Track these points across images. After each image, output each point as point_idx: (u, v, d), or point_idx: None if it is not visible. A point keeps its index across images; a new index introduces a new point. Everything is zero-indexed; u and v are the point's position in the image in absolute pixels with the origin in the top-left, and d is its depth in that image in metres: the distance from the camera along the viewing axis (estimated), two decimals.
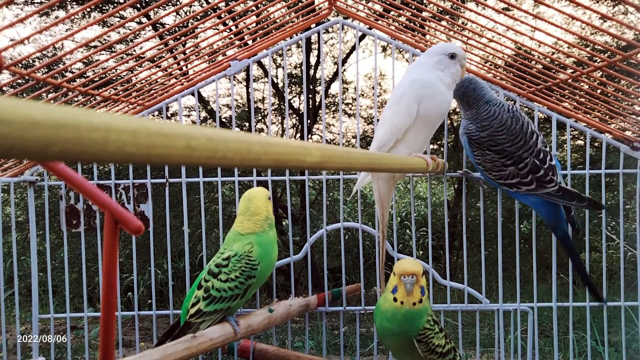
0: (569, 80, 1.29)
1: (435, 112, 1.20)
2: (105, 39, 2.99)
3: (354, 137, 4.53)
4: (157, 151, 0.27)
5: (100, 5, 3.44)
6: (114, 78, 1.51)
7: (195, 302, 1.19)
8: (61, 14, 3.69)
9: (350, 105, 4.43)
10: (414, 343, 1.12)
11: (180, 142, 0.29)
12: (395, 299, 1.11)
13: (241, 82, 4.18)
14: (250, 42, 1.62)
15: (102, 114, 0.25)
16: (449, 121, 3.86)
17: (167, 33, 2.83)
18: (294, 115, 4.29)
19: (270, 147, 0.37)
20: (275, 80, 4.19)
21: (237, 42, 1.60)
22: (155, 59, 1.94)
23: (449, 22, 2.10)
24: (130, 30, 3.46)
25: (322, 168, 0.47)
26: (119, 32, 3.29)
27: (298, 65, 4.32)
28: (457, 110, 3.93)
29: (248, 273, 1.18)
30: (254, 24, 2.18)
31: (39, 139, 0.22)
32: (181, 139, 0.29)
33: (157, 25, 3.59)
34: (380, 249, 1.38)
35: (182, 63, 1.65)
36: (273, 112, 4.25)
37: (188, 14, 3.66)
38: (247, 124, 4.16)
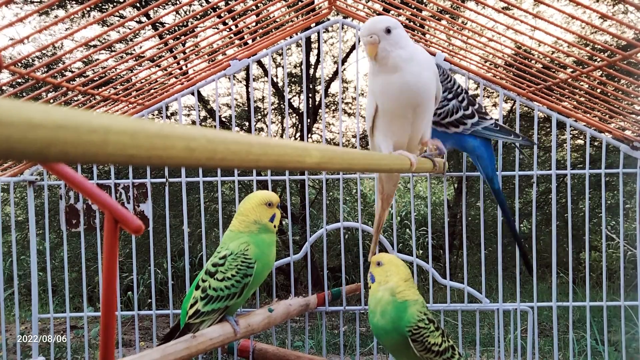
0: (569, 80, 1.29)
1: (395, 103, 1.06)
2: (104, 39, 2.99)
3: (354, 136, 4.52)
4: (157, 152, 0.27)
5: (100, 5, 3.44)
6: (114, 77, 1.51)
7: (193, 302, 1.19)
8: (61, 13, 3.68)
9: (350, 105, 4.43)
10: (409, 342, 1.12)
11: (180, 144, 0.29)
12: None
13: (241, 82, 4.17)
14: (250, 42, 1.62)
15: (101, 116, 0.25)
16: None
17: (167, 32, 2.82)
18: (294, 115, 4.28)
19: (269, 149, 0.37)
20: (275, 79, 4.19)
21: (237, 42, 1.60)
22: (155, 58, 1.94)
23: (449, 22, 2.10)
24: (130, 29, 3.46)
25: (322, 169, 0.47)
26: (118, 32, 3.29)
27: (298, 65, 4.32)
28: None
29: (244, 272, 1.18)
30: (254, 24, 2.18)
31: (38, 140, 0.22)
32: (181, 140, 0.29)
33: (157, 24, 3.59)
34: (372, 245, 1.36)
35: (182, 62, 1.65)
36: (273, 111, 4.24)
37: (188, 13, 3.66)
38: (247, 124, 4.15)
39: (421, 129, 1.12)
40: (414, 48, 1.05)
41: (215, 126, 2.34)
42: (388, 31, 1.01)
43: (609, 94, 1.43)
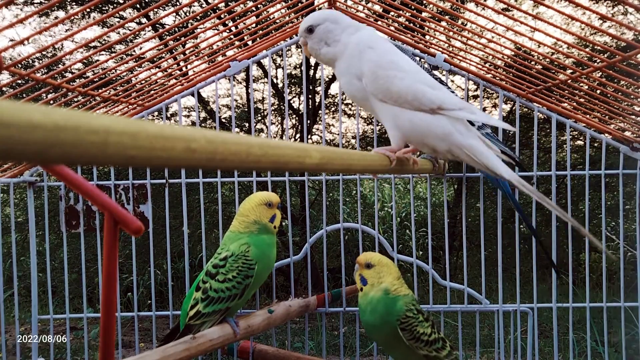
0: (569, 81, 1.29)
1: (349, 95, 0.99)
2: (105, 40, 2.99)
3: (354, 137, 4.52)
4: (157, 154, 0.27)
5: (100, 6, 3.44)
6: (114, 78, 1.51)
7: (194, 304, 1.19)
8: (61, 14, 3.68)
9: (349, 106, 4.43)
10: (398, 332, 1.14)
11: (180, 145, 0.29)
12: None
13: (241, 83, 4.18)
14: (250, 43, 1.62)
15: (101, 117, 0.25)
16: None
17: (167, 33, 2.82)
18: (294, 116, 4.28)
19: (269, 150, 0.37)
20: (275, 80, 4.19)
21: (237, 43, 1.60)
22: (155, 59, 1.94)
23: (449, 23, 2.10)
24: (130, 30, 3.46)
25: (322, 170, 0.47)
26: (118, 33, 3.29)
27: (298, 66, 4.32)
28: None
29: (245, 273, 1.18)
30: (254, 25, 2.18)
31: (38, 141, 0.22)
32: (181, 141, 0.29)
33: (157, 25, 3.59)
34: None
35: (182, 64, 1.65)
36: (273, 112, 4.25)
37: (188, 14, 3.66)
38: (246, 124, 4.15)
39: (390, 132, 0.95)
40: (345, 43, 0.93)
41: (215, 127, 2.34)
42: (310, 30, 0.96)
43: (608, 95, 1.43)
